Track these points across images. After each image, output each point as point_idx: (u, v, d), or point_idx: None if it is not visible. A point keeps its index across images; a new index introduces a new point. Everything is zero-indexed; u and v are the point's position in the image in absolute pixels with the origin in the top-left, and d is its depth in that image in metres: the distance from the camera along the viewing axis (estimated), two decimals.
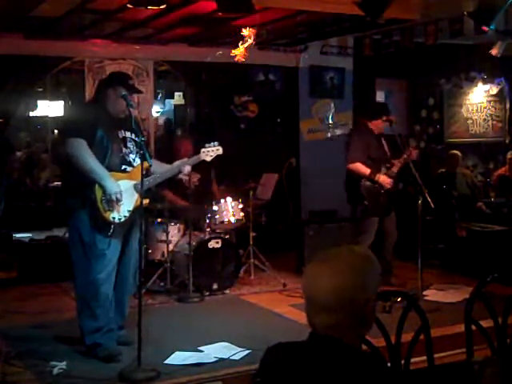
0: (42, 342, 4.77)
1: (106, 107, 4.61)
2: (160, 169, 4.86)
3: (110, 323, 4.56)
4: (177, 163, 4.97)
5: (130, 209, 4.55)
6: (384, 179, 6.23)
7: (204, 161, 5.16)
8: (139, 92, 5.10)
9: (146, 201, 4.52)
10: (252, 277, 6.90)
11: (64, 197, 4.75)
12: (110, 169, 4.47)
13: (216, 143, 5.19)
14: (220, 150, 5.18)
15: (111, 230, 4.47)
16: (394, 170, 6.27)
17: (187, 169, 5.00)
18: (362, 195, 6.27)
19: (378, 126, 6.41)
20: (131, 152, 4.62)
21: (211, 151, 5.15)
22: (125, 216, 4.53)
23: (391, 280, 6.31)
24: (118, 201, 4.45)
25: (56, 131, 10.39)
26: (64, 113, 10.62)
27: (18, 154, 10.58)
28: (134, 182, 4.56)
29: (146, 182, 4.43)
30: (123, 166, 4.56)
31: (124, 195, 4.49)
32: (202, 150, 5.13)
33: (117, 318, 4.68)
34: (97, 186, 4.41)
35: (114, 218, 4.47)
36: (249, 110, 8.43)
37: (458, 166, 8.48)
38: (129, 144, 4.63)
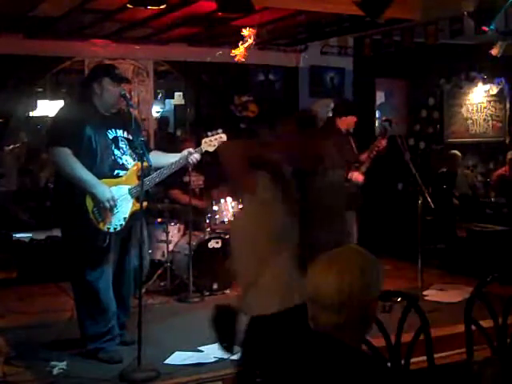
0: (42, 341, 4.77)
1: (94, 104, 4.38)
2: (166, 160, 4.59)
3: (112, 330, 4.49)
4: (183, 153, 4.63)
5: (126, 216, 4.35)
6: (356, 176, 6.09)
7: (205, 160, 4.83)
8: (126, 81, 4.65)
9: (144, 204, 4.31)
10: None
11: (55, 206, 4.59)
12: (100, 175, 4.24)
13: (219, 130, 4.78)
14: (224, 137, 4.76)
15: (107, 241, 4.28)
16: (363, 168, 6.13)
17: (196, 157, 4.64)
18: None
19: (347, 123, 6.25)
20: (124, 153, 4.38)
21: (214, 140, 4.74)
22: (121, 224, 4.33)
23: None
24: (112, 208, 4.23)
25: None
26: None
27: (7, 148, 10.48)
28: (128, 187, 4.36)
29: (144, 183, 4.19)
30: (116, 171, 4.33)
31: (119, 202, 4.28)
32: (204, 140, 4.74)
33: (121, 316, 4.60)
34: (87, 195, 4.21)
35: (108, 228, 4.28)
36: (249, 110, 8.42)
37: (458, 166, 8.48)
38: (121, 144, 4.39)
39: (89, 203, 4.23)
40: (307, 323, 1.92)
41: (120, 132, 4.43)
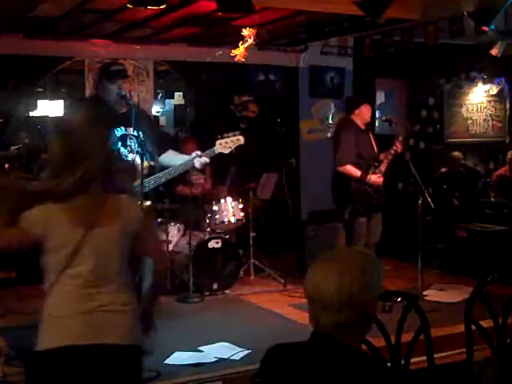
0: None
1: (107, 102, 4.45)
2: (179, 160, 4.51)
3: None
4: (192, 156, 4.52)
5: None
6: (375, 179, 6.03)
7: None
8: (122, 75, 4.53)
9: (147, 203, 4.23)
10: (252, 277, 6.90)
11: None
12: None
13: (237, 132, 4.60)
14: (241, 140, 4.59)
15: None
16: (383, 168, 6.08)
17: (205, 160, 4.50)
18: (352, 197, 6.09)
19: (362, 115, 6.17)
20: (131, 151, 4.37)
21: (230, 142, 4.57)
22: None
23: None
24: None
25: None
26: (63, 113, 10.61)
27: (12, 148, 10.48)
28: None
29: (146, 183, 4.19)
30: None
31: None
32: (219, 141, 4.56)
33: None
34: None
35: None
36: (249, 109, 8.43)
37: (460, 167, 8.49)
38: (129, 142, 4.38)
39: None
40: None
41: (130, 130, 4.40)
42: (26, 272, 6.78)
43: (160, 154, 4.53)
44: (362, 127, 6.22)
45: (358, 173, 6.03)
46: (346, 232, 6.33)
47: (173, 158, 4.56)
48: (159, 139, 4.59)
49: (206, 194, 6.85)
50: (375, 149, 6.26)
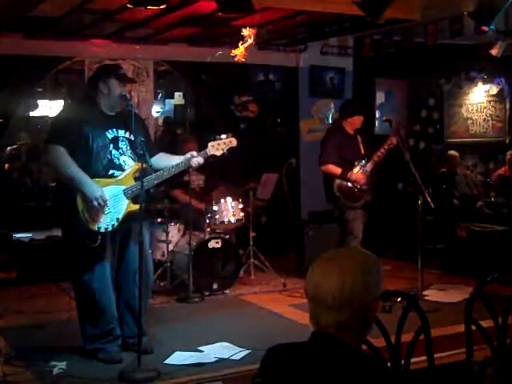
0: (42, 342, 4.77)
1: (98, 104, 4.37)
2: (169, 162, 4.48)
3: (113, 331, 4.45)
4: (186, 156, 4.50)
5: (120, 216, 4.27)
6: (357, 176, 6.14)
7: (207, 160, 4.64)
8: (132, 81, 4.56)
9: (136, 206, 4.20)
10: (252, 277, 6.90)
11: (55, 205, 4.61)
12: (94, 175, 4.21)
13: (230, 134, 4.63)
14: (233, 142, 4.61)
15: (98, 241, 4.21)
16: (368, 168, 6.17)
17: (199, 161, 4.49)
18: (335, 194, 6.20)
19: (353, 123, 6.33)
20: (123, 153, 4.33)
21: (222, 144, 4.58)
22: (113, 224, 4.25)
23: None
24: (101, 207, 4.17)
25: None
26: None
27: (9, 148, 10.49)
28: (123, 187, 4.29)
29: (138, 185, 4.15)
30: (111, 171, 4.28)
31: (111, 202, 4.24)
32: (211, 143, 4.57)
33: (129, 323, 4.54)
34: (78, 194, 4.18)
35: (99, 227, 4.21)
36: (249, 109, 8.43)
37: (457, 167, 8.49)
38: (121, 144, 4.33)
39: (79, 202, 4.21)
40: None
41: (122, 132, 4.38)
42: (26, 272, 6.79)
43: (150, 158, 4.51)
44: (351, 132, 6.37)
45: (338, 170, 6.19)
46: (339, 228, 6.43)
47: (163, 160, 4.54)
48: (149, 143, 4.55)
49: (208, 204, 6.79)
50: (362, 150, 6.36)
